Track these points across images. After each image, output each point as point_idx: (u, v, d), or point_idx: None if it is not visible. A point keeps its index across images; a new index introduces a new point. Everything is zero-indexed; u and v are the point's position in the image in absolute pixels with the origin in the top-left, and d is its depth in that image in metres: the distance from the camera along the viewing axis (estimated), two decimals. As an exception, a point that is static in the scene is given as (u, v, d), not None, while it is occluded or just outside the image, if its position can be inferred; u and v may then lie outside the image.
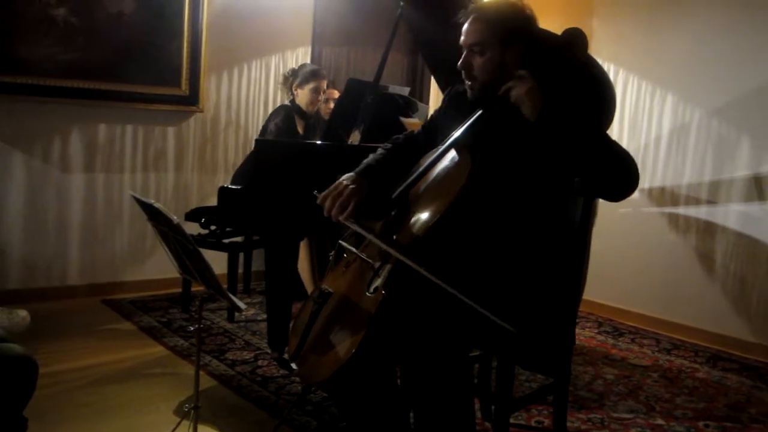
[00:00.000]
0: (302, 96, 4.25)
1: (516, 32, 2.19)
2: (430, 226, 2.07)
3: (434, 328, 2.03)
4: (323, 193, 2.29)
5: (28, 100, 4.07)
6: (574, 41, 2.15)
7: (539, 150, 2.13)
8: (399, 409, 2.27)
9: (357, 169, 2.37)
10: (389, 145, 2.51)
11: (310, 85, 4.23)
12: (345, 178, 2.32)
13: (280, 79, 4.64)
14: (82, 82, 4.20)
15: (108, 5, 4.22)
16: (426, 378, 2.03)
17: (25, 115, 4.11)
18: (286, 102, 4.41)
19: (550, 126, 2.05)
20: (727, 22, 4.20)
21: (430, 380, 2.03)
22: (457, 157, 2.20)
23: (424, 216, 2.12)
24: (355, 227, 2.21)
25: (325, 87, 4.36)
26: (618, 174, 2.08)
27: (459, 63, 2.23)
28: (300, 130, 4.31)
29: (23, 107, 4.08)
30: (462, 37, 2.23)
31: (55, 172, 4.27)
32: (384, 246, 2.09)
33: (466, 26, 2.22)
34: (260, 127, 4.48)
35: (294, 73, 4.32)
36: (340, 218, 2.23)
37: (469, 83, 2.25)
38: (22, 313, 3.61)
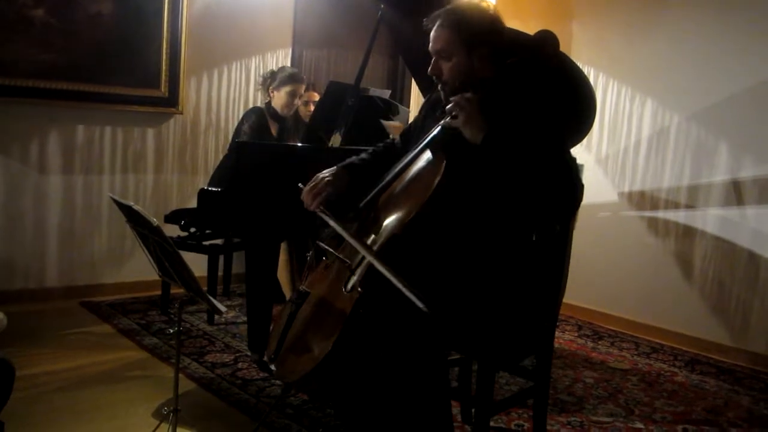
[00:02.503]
0: (278, 99, 4.26)
1: (480, 35, 2.21)
2: (405, 223, 2.09)
3: (410, 326, 2.03)
4: (305, 188, 2.35)
5: (5, 102, 4.02)
6: (545, 41, 2.17)
7: (490, 168, 2.13)
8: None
9: (340, 164, 2.42)
10: (373, 150, 2.56)
11: (287, 88, 4.23)
12: (326, 171, 2.38)
13: (259, 80, 4.64)
14: (60, 83, 4.16)
15: (86, 6, 4.18)
16: (401, 377, 2.03)
17: (1, 117, 4.06)
18: (260, 104, 4.41)
19: (494, 150, 2.06)
20: (706, 26, 4.24)
21: (406, 379, 2.04)
22: (431, 157, 2.21)
23: (399, 214, 2.14)
24: (325, 217, 2.24)
25: (302, 92, 4.36)
26: (557, 198, 2.10)
27: (429, 69, 2.26)
28: (273, 132, 4.32)
29: (0, 108, 4.03)
30: (430, 44, 2.26)
31: (33, 174, 4.23)
32: (352, 241, 2.11)
33: (432, 33, 2.26)
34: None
35: (272, 75, 4.32)
36: (311, 207, 2.29)
37: (441, 87, 2.28)
38: (-1, 316, 3.57)
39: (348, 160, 2.47)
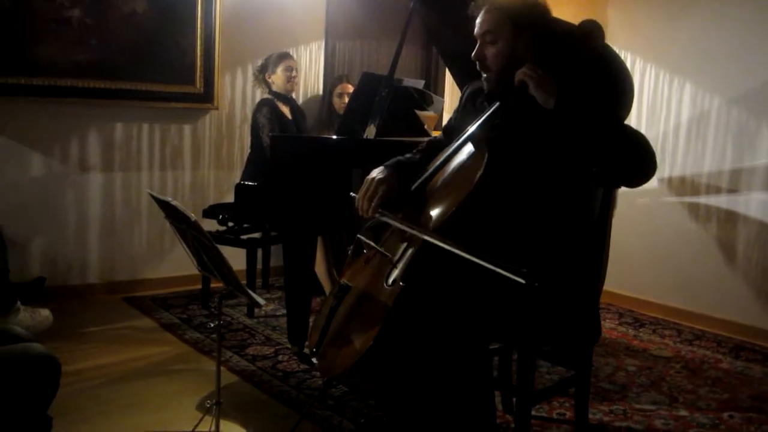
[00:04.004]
0: (277, 79, 4.51)
1: (525, 19, 2.20)
2: (446, 219, 2.08)
3: (453, 319, 2.03)
4: (358, 195, 2.31)
5: (45, 101, 4.09)
6: (591, 33, 2.14)
7: (558, 139, 2.12)
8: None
9: (387, 163, 2.39)
10: (416, 150, 2.54)
11: (281, 67, 4.51)
12: (375, 171, 2.34)
13: (252, 78, 4.80)
14: (97, 81, 4.21)
15: (121, 5, 4.23)
16: (445, 370, 2.03)
17: (42, 117, 4.13)
18: (266, 95, 4.60)
19: (569, 112, 2.04)
20: (745, 8, 4.15)
21: (449, 372, 2.03)
22: (473, 150, 2.19)
23: (440, 208, 2.13)
24: (386, 220, 2.21)
25: (294, 65, 4.59)
26: (635, 159, 2.07)
27: (473, 54, 2.25)
28: (288, 114, 4.53)
29: (40, 108, 4.10)
30: (475, 29, 2.25)
31: (74, 172, 4.30)
32: (409, 229, 2.09)
33: (479, 18, 2.25)
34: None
35: (262, 66, 4.58)
36: (369, 212, 2.25)
37: (485, 75, 2.27)
38: (45, 313, 3.63)
39: (395, 159, 2.42)
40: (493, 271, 1.89)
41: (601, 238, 2.44)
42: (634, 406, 3.09)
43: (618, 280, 4.57)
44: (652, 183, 4.61)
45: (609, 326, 4.30)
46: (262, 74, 4.57)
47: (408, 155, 2.50)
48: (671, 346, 3.98)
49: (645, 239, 4.68)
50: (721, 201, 4.33)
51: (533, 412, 2.75)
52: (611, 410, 3.03)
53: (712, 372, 3.58)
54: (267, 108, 4.40)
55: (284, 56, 4.55)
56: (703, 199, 4.42)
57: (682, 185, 4.53)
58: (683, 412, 3.05)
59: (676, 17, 4.49)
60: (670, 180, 4.58)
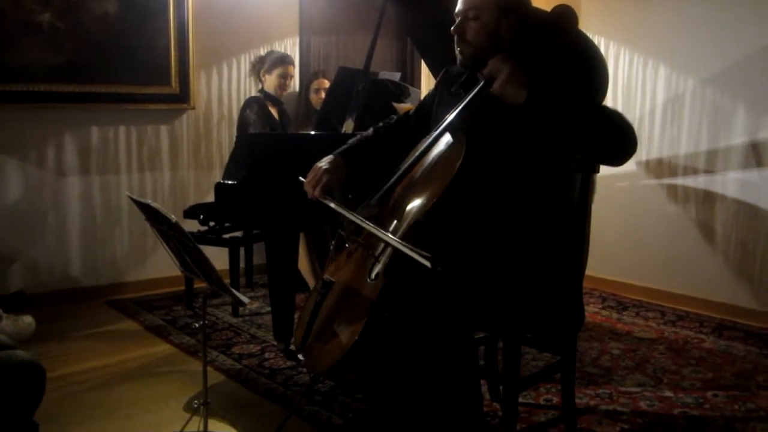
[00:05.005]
0: (270, 82, 4.48)
1: (510, 4, 2.20)
2: (428, 209, 2.08)
3: (436, 309, 2.04)
4: (306, 180, 2.40)
5: (19, 108, 4.05)
6: (564, 18, 2.15)
7: (531, 131, 2.13)
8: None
9: (337, 150, 2.47)
10: (379, 126, 2.59)
11: (278, 71, 4.46)
12: (323, 159, 2.43)
13: (248, 67, 4.80)
14: (71, 86, 4.18)
15: (92, 7, 4.19)
16: (430, 359, 2.04)
17: (17, 122, 4.09)
18: (255, 93, 4.58)
19: (540, 107, 2.05)
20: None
21: (435, 362, 2.04)
22: (451, 140, 2.20)
23: (421, 200, 2.14)
24: (330, 204, 2.28)
25: (292, 72, 4.56)
26: (617, 140, 2.08)
27: (452, 28, 2.23)
28: (275, 115, 4.50)
29: (14, 114, 4.06)
30: (458, 6, 2.24)
31: (51, 177, 4.27)
32: (355, 219, 2.17)
33: None
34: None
35: (261, 60, 4.54)
36: (315, 195, 2.33)
37: (460, 48, 2.25)
38: (28, 320, 3.61)
39: (345, 146, 2.50)
40: (401, 252, 1.97)
41: (582, 223, 2.46)
42: (620, 389, 3.12)
43: (600, 265, 4.61)
44: (630, 166, 4.65)
45: (592, 310, 4.34)
46: (257, 68, 4.56)
47: (364, 134, 2.58)
48: (655, 328, 4.02)
49: (625, 223, 4.71)
50: (698, 182, 4.37)
51: (520, 399, 2.77)
52: (597, 394, 3.06)
53: (695, 352, 3.62)
54: (257, 106, 4.40)
55: (283, 61, 4.50)
56: (680, 181, 4.46)
57: (659, 167, 4.56)
58: (668, 393, 3.08)
59: (649, 0, 4.51)
60: (647, 163, 4.61)
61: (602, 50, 4.58)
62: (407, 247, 1.95)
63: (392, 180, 2.28)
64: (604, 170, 2.48)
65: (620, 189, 4.73)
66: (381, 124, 2.61)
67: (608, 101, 4.65)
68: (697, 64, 4.32)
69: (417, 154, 2.26)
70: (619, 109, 4.62)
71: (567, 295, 2.40)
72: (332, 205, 2.27)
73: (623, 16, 4.67)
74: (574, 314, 2.43)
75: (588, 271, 2.60)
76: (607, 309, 4.40)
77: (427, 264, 1.90)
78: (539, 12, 2.40)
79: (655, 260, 4.58)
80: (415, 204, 2.15)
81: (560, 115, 2.05)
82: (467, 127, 2.18)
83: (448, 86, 2.42)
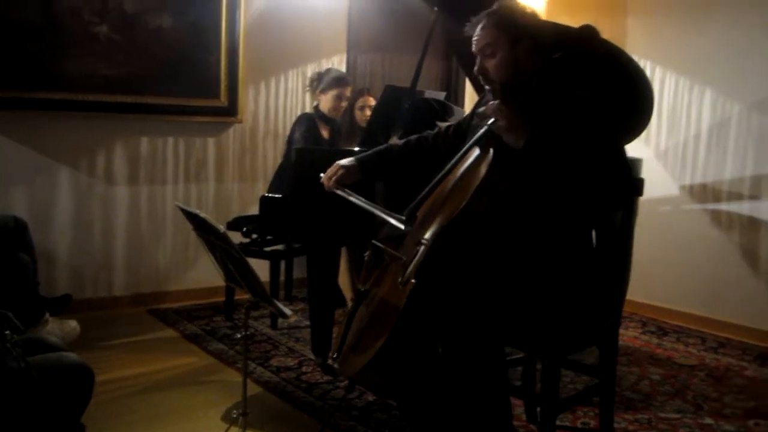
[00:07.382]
0: (325, 102, 4.33)
1: (521, 27, 2.26)
2: (453, 216, 2.14)
3: (464, 317, 2.06)
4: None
5: (73, 116, 4.16)
6: (589, 35, 2.19)
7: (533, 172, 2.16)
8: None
9: (359, 155, 2.70)
10: (411, 138, 2.73)
11: (333, 92, 4.30)
12: (344, 160, 2.69)
13: (306, 82, 4.73)
14: (123, 96, 4.28)
15: (147, 21, 4.30)
16: (457, 368, 2.06)
17: (69, 131, 4.20)
18: (309, 110, 4.51)
19: (537, 154, 2.09)
20: (764, 13, 4.15)
21: (462, 371, 2.06)
22: (479, 152, 2.28)
23: (449, 208, 2.21)
24: (341, 194, 2.60)
25: (348, 94, 4.41)
26: (609, 190, 2.19)
27: (475, 69, 2.30)
28: (325, 135, 4.40)
29: (68, 123, 4.17)
30: (473, 47, 2.31)
31: (101, 185, 4.36)
32: (365, 206, 2.46)
33: (474, 36, 2.31)
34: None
35: (319, 77, 4.39)
36: (329, 186, 2.64)
37: (488, 87, 2.33)
38: (73, 324, 3.69)
39: (369, 153, 2.72)
40: (377, 216, 2.35)
41: (624, 246, 2.45)
42: (659, 414, 3.09)
43: (641, 289, 4.55)
44: (674, 190, 4.61)
45: (632, 335, 4.30)
46: (314, 85, 4.41)
47: (390, 145, 2.84)
48: (695, 354, 3.97)
49: (668, 247, 4.66)
50: (743, 207, 4.31)
51: (557, 422, 2.75)
52: (636, 419, 3.03)
53: (737, 380, 3.56)
54: (305, 126, 4.30)
55: (341, 82, 4.33)
56: (724, 206, 4.41)
57: (703, 192, 4.51)
58: (708, 420, 3.04)
59: (695, 24, 4.49)
60: (691, 187, 4.57)
61: (648, 73, 4.56)
62: (381, 211, 2.33)
63: (425, 192, 2.33)
64: (648, 194, 2.46)
65: (663, 213, 4.68)
66: (415, 137, 2.72)
67: (653, 125, 4.61)
68: (743, 90, 4.28)
69: (448, 166, 2.33)
70: (664, 132, 4.63)
71: (606, 317, 2.40)
72: (341, 193, 2.59)
73: (670, 40, 4.64)
74: (609, 337, 2.42)
75: (628, 296, 2.58)
76: (647, 334, 4.35)
77: (401, 226, 2.20)
78: (562, 29, 2.45)
79: (697, 286, 4.52)
80: (444, 213, 2.22)
81: (552, 166, 2.09)
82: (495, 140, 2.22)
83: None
